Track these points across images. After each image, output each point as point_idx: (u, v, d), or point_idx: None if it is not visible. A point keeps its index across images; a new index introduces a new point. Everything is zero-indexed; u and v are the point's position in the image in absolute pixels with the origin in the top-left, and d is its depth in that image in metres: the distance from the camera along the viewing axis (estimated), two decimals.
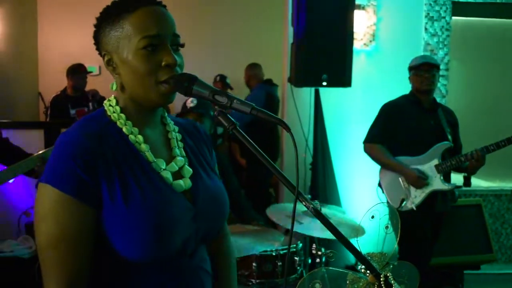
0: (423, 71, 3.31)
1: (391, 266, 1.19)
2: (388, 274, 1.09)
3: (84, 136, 1.16)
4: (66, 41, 6.31)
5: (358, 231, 2.41)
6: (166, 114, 1.37)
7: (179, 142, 1.35)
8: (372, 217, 1.18)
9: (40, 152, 2.93)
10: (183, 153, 1.34)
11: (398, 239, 1.21)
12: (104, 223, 1.15)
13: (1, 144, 3.06)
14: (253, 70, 5.45)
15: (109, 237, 1.16)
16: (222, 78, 5.78)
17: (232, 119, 1.16)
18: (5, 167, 2.90)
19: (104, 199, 1.15)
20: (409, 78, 3.43)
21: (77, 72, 5.15)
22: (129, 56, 1.19)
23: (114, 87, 1.26)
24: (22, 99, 6.11)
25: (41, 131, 4.41)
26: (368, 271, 1.13)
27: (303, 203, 1.11)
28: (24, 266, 3.75)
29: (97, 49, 1.29)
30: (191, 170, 1.31)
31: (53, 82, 6.39)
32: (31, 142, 4.15)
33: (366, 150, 3.45)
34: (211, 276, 1.37)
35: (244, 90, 5.67)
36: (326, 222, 1.12)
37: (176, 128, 1.37)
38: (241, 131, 1.16)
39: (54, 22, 6.43)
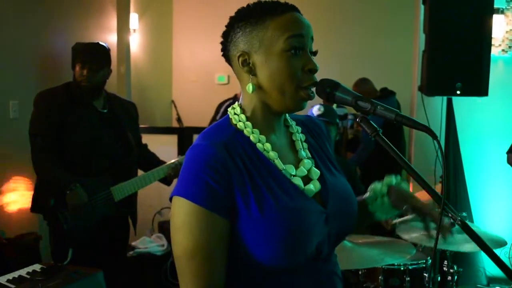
0: None
1: None
2: None
3: (213, 147, 1.16)
4: (198, 52, 6.62)
5: (510, 250, 2.25)
6: (287, 115, 1.35)
7: (304, 143, 1.33)
8: None
9: (171, 161, 3.20)
10: (309, 154, 1.32)
11: None
12: (239, 232, 1.15)
13: (141, 150, 3.30)
14: (361, 87, 5.19)
15: (244, 245, 1.16)
16: None
17: (375, 126, 1.14)
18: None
19: (239, 209, 1.15)
20: None
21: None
22: (272, 57, 1.19)
23: (251, 89, 1.21)
24: (157, 106, 6.52)
25: (174, 137, 4.68)
26: None
27: (450, 214, 1.06)
28: (157, 263, 3.99)
29: (225, 48, 1.27)
30: (318, 171, 1.29)
31: (185, 90, 6.77)
32: (165, 146, 4.42)
33: (510, 161, 3.19)
34: (342, 281, 1.34)
35: None
36: (474, 235, 1.06)
37: (299, 129, 1.35)
38: (384, 138, 1.14)
39: (187, 35, 6.79)
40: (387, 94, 5.09)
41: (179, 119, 6.43)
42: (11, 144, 3.79)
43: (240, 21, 1.23)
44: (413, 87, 4.34)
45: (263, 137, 1.24)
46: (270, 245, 1.14)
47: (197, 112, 6.44)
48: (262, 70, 1.21)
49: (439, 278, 2.89)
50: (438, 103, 3.85)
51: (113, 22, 5.08)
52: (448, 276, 2.67)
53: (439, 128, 3.80)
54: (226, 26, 1.27)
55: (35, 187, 3.12)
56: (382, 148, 1.14)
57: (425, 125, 1.08)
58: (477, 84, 3.44)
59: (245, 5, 1.26)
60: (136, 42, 5.82)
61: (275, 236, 1.13)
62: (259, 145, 1.22)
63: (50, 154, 2.91)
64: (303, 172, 1.26)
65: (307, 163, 1.28)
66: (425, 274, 2.66)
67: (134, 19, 5.65)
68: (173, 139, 4.62)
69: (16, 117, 3.81)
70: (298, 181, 1.23)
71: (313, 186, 1.25)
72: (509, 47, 4.10)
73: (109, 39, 4.96)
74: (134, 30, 5.74)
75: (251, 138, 1.23)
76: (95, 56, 3.00)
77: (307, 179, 1.26)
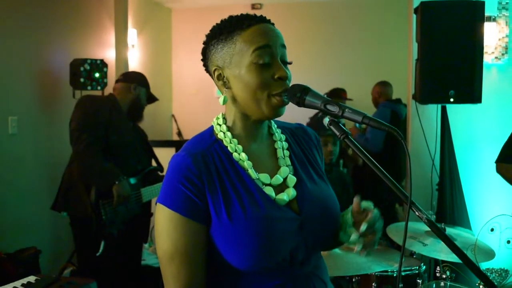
0: None
1: None
2: None
3: (189, 157, 1.23)
4: (197, 66, 6.66)
5: (475, 246, 2.25)
6: (273, 123, 1.40)
7: (285, 151, 1.37)
8: (492, 230, 1.11)
9: None
10: (288, 161, 1.36)
11: None
12: (212, 236, 1.23)
13: None
14: (383, 87, 5.37)
15: (217, 249, 1.23)
16: None
17: (345, 129, 1.17)
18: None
19: (211, 215, 1.22)
20: None
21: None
22: (242, 70, 1.24)
23: (223, 102, 1.30)
24: (158, 121, 6.58)
25: (172, 149, 4.73)
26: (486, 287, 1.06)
27: (416, 213, 1.09)
28: (154, 274, 4.01)
29: (205, 64, 1.36)
30: (295, 178, 1.32)
31: (184, 105, 6.83)
32: (165, 159, 4.46)
33: (498, 170, 3.22)
34: (326, 284, 1.36)
35: (366, 108, 5.59)
36: (440, 233, 1.08)
37: (283, 137, 1.40)
38: (353, 140, 1.17)
39: (186, 49, 6.86)
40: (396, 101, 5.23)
41: (179, 133, 6.49)
42: (10, 159, 3.84)
43: (213, 38, 1.30)
44: (408, 96, 4.36)
45: (240, 147, 1.30)
46: (239, 251, 1.20)
47: (197, 125, 6.46)
48: (235, 83, 1.27)
49: (434, 285, 2.88)
50: (432, 111, 3.87)
51: (111, 38, 5.15)
52: (441, 282, 2.67)
53: (435, 136, 3.82)
54: (203, 43, 1.34)
55: (60, 187, 3.30)
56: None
57: (391, 126, 1.10)
58: (470, 91, 3.45)
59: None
60: (135, 57, 5.89)
61: (244, 243, 1.20)
62: (235, 155, 1.28)
63: (97, 149, 3.12)
64: (278, 180, 1.31)
65: (284, 170, 1.33)
66: (418, 281, 2.66)
67: (132, 34, 5.72)
68: (171, 152, 4.67)
69: (15, 132, 3.87)
70: (269, 191, 1.27)
71: (287, 194, 1.29)
72: (502, 54, 4.12)
73: (108, 55, 5.03)
74: (133, 46, 5.81)
75: (229, 148, 1.29)
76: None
77: (283, 186, 1.31)
